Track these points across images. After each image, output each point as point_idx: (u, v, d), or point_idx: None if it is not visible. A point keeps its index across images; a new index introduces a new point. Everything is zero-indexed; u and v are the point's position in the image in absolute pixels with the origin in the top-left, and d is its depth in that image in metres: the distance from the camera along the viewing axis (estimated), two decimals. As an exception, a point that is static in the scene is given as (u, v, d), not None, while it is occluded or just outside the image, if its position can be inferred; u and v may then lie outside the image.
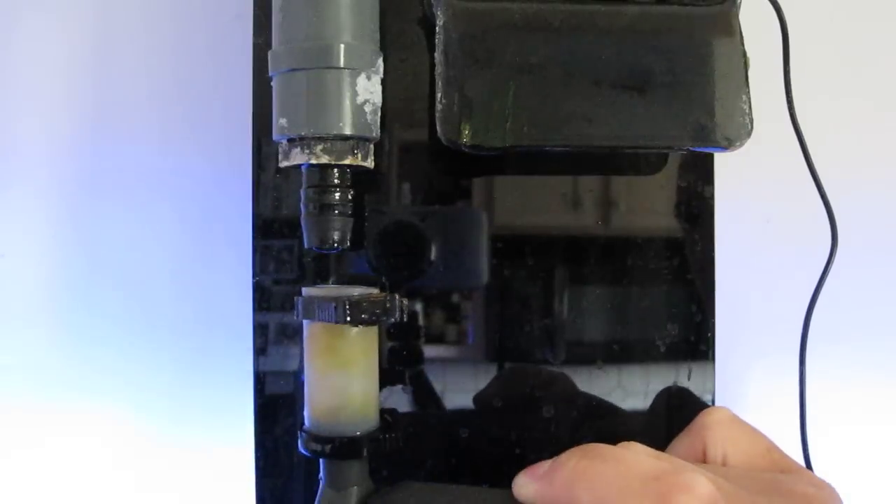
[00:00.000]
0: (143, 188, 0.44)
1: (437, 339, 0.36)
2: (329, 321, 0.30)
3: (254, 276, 0.36)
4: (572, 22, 0.32)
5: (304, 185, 0.33)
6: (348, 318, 0.30)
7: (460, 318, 0.36)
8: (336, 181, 0.32)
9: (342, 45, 0.31)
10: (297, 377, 0.36)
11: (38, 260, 0.44)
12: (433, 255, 0.35)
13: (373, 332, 0.32)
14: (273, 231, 0.36)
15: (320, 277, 0.36)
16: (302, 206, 0.33)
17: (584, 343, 0.36)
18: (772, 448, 0.31)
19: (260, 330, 0.36)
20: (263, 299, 0.36)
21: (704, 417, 0.31)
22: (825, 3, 0.46)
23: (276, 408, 0.36)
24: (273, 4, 0.32)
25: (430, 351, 0.36)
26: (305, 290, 0.32)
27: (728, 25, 0.32)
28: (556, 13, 0.32)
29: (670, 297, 0.36)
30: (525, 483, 0.27)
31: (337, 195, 0.32)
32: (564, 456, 0.26)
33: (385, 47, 0.33)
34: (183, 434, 0.45)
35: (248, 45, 0.35)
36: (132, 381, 0.44)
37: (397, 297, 0.31)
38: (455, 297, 0.36)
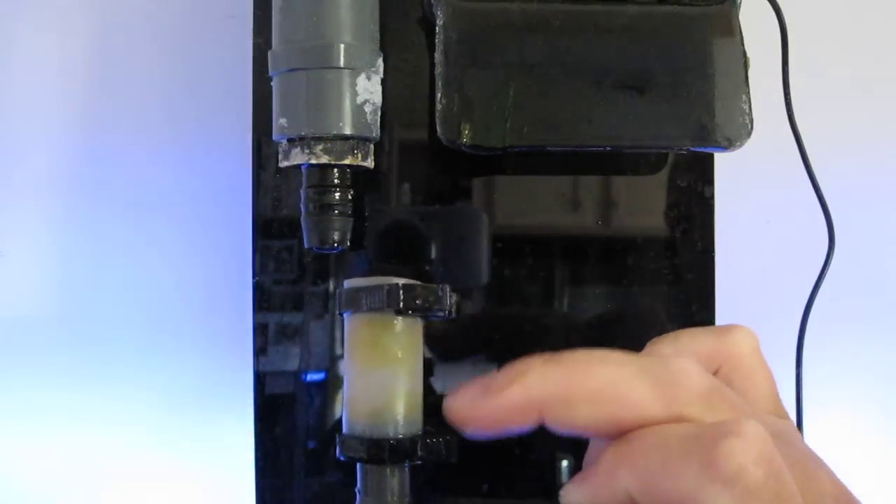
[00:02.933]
0: (143, 188, 0.44)
1: (438, 338, 0.36)
2: (379, 309, 0.28)
3: (254, 276, 0.36)
4: (572, 22, 0.32)
5: (304, 185, 0.33)
6: (401, 304, 0.28)
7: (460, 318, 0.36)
8: (336, 181, 0.32)
9: (342, 45, 0.31)
10: (298, 377, 0.36)
11: (37, 259, 0.44)
12: (433, 255, 0.35)
13: (418, 328, 0.30)
14: (273, 231, 0.36)
15: (320, 277, 0.36)
16: (302, 206, 0.33)
17: (584, 343, 0.36)
18: (777, 395, 0.29)
19: (260, 330, 0.36)
20: (263, 299, 0.36)
21: (734, 342, 0.28)
22: (825, 3, 0.46)
23: (276, 408, 0.36)
24: (273, 4, 0.32)
25: (430, 351, 0.36)
26: (348, 282, 0.30)
27: (728, 25, 0.32)
28: (556, 13, 0.32)
29: (670, 297, 0.36)
30: (572, 489, 0.25)
31: (337, 195, 0.32)
32: (605, 450, 0.25)
33: (385, 47, 0.33)
34: (183, 434, 0.45)
35: (247, 45, 0.35)
36: (131, 380, 0.44)
37: (448, 288, 0.29)
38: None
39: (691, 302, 0.37)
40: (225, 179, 0.44)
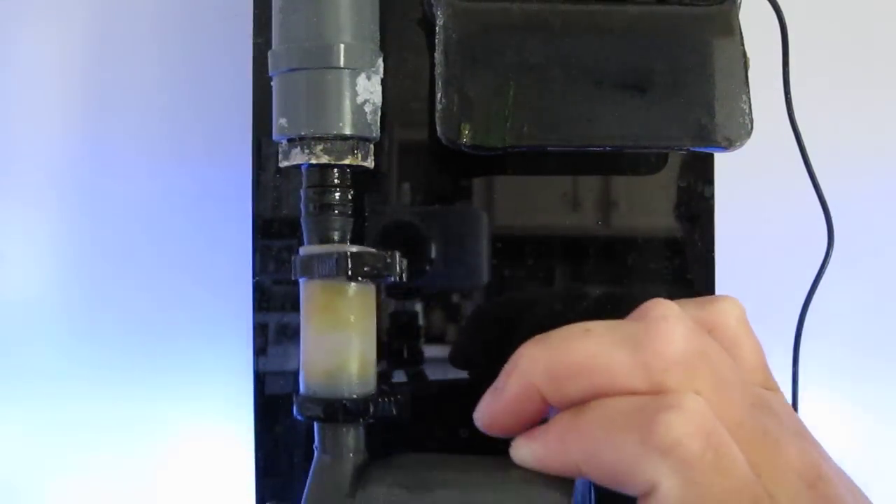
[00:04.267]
0: (142, 188, 0.44)
1: (437, 339, 0.36)
2: (329, 276, 0.29)
3: (254, 276, 0.36)
4: (572, 22, 0.32)
5: (304, 185, 0.33)
6: (350, 272, 0.29)
7: (460, 318, 0.36)
8: (336, 181, 0.32)
9: (342, 45, 0.31)
10: (297, 377, 0.36)
11: (37, 260, 0.44)
12: (433, 255, 0.35)
13: (371, 292, 0.31)
14: (273, 231, 0.36)
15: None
16: (302, 206, 0.33)
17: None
18: (765, 365, 0.29)
19: (260, 330, 0.36)
20: (263, 299, 0.36)
21: (718, 311, 0.28)
22: (825, 3, 0.46)
23: (276, 408, 0.36)
24: (273, 4, 0.32)
25: (430, 351, 0.36)
26: (303, 249, 0.31)
27: (728, 25, 0.32)
28: (556, 13, 0.32)
29: (670, 297, 0.36)
30: (521, 445, 0.26)
31: (337, 195, 0.32)
32: (558, 415, 0.25)
33: (385, 47, 0.33)
34: (183, 433, 0.45)
35: (247, 45, 0.35)
36: (131, 380, 0.44)
37: (398, 254, 0.30)
38: (455, 297, 0.36)
39: (691, 302, 0.37)
40: (225, 179, 0.44)
